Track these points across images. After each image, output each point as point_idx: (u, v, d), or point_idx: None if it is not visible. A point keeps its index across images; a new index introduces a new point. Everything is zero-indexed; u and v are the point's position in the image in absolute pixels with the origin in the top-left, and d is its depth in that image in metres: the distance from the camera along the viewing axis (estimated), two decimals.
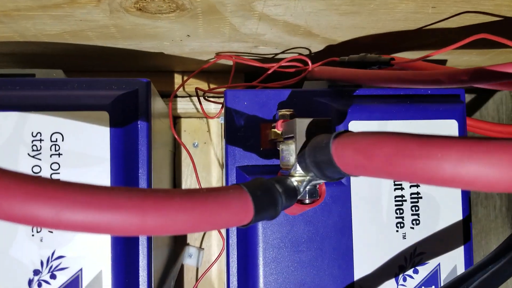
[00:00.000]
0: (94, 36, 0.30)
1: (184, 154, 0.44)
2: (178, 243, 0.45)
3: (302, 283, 0.24)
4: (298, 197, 0.21)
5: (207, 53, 0.35)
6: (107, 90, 0.25)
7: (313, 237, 0.25)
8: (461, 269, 0.26)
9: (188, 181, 0.45)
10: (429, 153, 0.13)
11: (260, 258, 0.25)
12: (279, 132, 0.24)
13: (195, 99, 0.41)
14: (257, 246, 0.25)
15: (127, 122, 0.26)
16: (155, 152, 0.29)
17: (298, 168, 0.20)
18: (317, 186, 0.22)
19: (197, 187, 0.35)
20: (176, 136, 0.34)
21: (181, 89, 0.40)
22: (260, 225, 0.25)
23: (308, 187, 0.22)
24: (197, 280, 0.42)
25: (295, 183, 0.20)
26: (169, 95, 0.43)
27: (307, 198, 0.22)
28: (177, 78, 0.41)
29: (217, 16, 0.26)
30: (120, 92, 0.25)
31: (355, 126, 0.26)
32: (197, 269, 0.44)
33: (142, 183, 0.25)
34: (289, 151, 0.22)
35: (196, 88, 0.33)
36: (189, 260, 0.44)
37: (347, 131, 0.17)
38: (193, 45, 0.33)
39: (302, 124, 0.21)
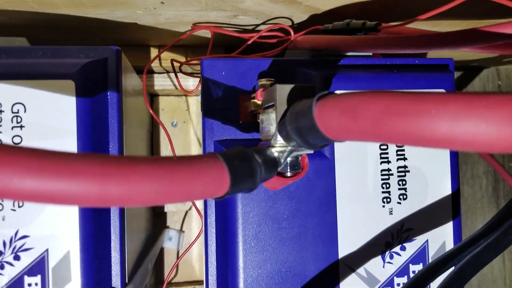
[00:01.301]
0: (62, 3, 0.28)
1: (162, 134, 0.42)
2: (158, 226, 0.43)
3: (284, 261, 0.23)
4: (279, 169, 0.20)
5: (184, 23, 0.33)
6: (73, 58, 0.23)
7: (295, 214, 0.23)
8: (450, 245, 0.25)
9: None
10: (422, 110, 0.12)
11: (240, 235, 0.23)
12: (259, 102, 0.23)
13: (173, 75, 0.39)
14: (236, 223, 0.23)
15: (96, 92, 0.24)
16: (129, 129, 0.27)
17: (279, 138, 0.19)
18: (299, 158, 0.21)
19: None
20: (153, 113, 0.32)
21: (158, 65, 0.38)
22: (240, 201, 0.23)
23: (289, 158, 0.20)
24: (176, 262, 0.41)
25: (276, 154, 0.19)
26: (151, 71, 0.41)
27: (288, 170, 0.20)
28: (154, 53, 0.39)
29: None
30: (87, 60, 0.23)
31: None
32: (178, 252, 0.42)
33: None
34: (269, 121, 0.20)
35: (172, 60, 0.31)
36: (169, 244, 0.43)
37: (331, 93, 0.16)
38: (168, 14, 0.31)
39: (283, 90, 0.19)
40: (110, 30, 0.34)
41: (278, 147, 0.19)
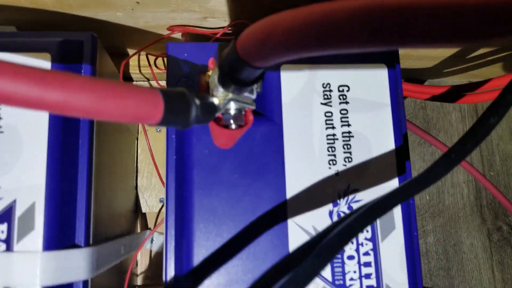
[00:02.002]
0: (51, 2, 0.32)
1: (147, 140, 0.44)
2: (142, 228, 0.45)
3: (235, 221, 0.25)
4: (224, 122, 0.22)
5: (160, 27, 0.37)
6: (52, 37, 0.27)
7: (246, 175, 0.25)
8: (397, 209, 0.26)
9: (148, 167, 0.45)
10: None
11: (195, 194, 0.25)
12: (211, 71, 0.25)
13: (153, 83, 0.42)
14: (192, 182, 0.25)
15: (70, 69, 0.27)
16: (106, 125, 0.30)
17: (219, 87, 0.21)
18: (243, 112, 0.23)
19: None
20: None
21: (138, 73, 0.41)
22: (195, 162, 0.25)
23: (233, 111, 0.23)
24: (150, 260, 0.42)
25: (216, 101, 0.21)
26: (130, 79, 0.45)
27: (232, 123, 0.23)
28: (135, 61, 0.42)
29: None
30: (64, 38, 0.27)
31: (288, 73, 0.27)
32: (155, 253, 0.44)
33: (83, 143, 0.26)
34: (214, 79, 0.23)
35: (147, 54, 0.35)
36: (153, 245, 0.44)
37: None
38: (146, 16, 0.35)
39: (222, 47, 0.22)
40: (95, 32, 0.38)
41: (219, 95, 0.21)
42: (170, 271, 0.24)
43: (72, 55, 0.27)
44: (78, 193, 0.25)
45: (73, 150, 0.26)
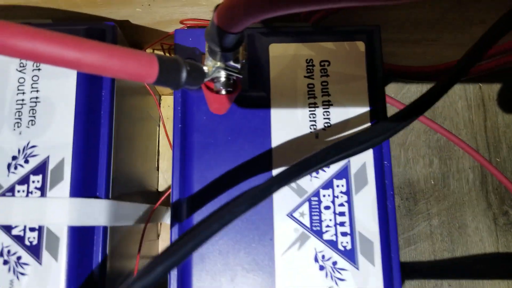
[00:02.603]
0: (82, 3, 0.38)
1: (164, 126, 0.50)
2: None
3: (224, 179, 0.29)
4: (215, 88, 0.27)
5: (174, 21, 0.42)
6: (78, 26, 0.33)
7: (237, 138, 0.30)
8: (370, 165, 0.29)
9: (169, 152, 0.51)
10: None
11: (195, 154, 0.30)
12: None
13: None
14: (193, 145, 0.30)
15: None
16: (127, 106, 0.35)
17: (209, 57, 0.26)
18: (231, 80, 0.28)
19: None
20: (155, 98, 0.40)
21: None
22: (195, 128, 0.30)
23: (223, 79, 0.27)
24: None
25: (205, 68, 0.26)
26: None
27: (222, 88, 0.27)
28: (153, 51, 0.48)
29: None
30: (88, 26, 0.32)
31: (276, 48, 0.31)
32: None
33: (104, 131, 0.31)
34: (205, 51, 0.28)
35: (162, 43, 0.40)
36: (168, 220, 0.49)
37: None
38: (160, 11, 0.40)
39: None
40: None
41: (208, 64, 0.26)
42: (175, 196, 0.29)
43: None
44: (100, 154, 0.31)
45: (96, 118, 0.31)
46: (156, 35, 0.44)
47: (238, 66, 0.27)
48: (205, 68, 0.26)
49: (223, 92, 0.27)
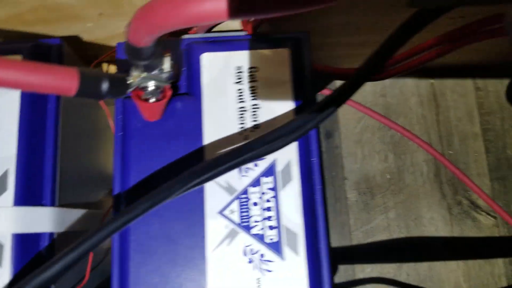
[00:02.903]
0: (33, 20, 0.40)
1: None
2: None
3: (162, 170, 0.31)
4: (143, 96, 0.29)
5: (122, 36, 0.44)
6: (25, 43, 0.34)
7: (171, 142, 0.32)
8: (294, 163, 0.32)
9: None
10: None
11: (132, 160, 0.32)
12: None
13: None
14: (130, 152, 0.32)
15: None
16: (72, 120, 0.37)
17: (133, 70, 0.28)
18: (160, 89, 0.30)
19: None
20: (107, 111, 0.42)
21: None
22: (132, 135, 0.32)
23: (150, 88, 0.29)
24: None
25: (129, 79, 0.28)
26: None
27: (150, 97, 0.29)
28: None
29: None
30: (34, 43, 0.34)
31: (207, 57, 0.33)
32: None
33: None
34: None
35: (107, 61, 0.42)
36: None
37: None
38: (111, 26, 0.42)
39: None
40: (70, 42, 0.45)
41: (134, 75, 0.28)
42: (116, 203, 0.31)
43: (42, 58, 0.35)
44: (45, 165, 0.33)
45: (41, 129, 0.33)
46: (108, 49, 0.46)
47: (164, 75, 0.29)
48: (129, 78, 0.28)
49: (152, 100, 0.30)
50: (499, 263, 0.56)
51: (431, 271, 0.55)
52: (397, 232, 0.56)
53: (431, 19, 0.28)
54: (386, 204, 0.57)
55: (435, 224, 0.56)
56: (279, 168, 0.32)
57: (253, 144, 0.26)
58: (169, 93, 0.30)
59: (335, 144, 0.58)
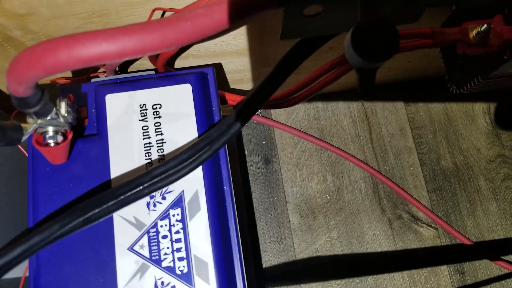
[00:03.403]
0: None
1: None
2: None
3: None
4: (45, 141, 0.30)
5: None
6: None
7: (79, 182, 0.32)
8: (202, 193, 0.32)
9: None
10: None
11: (41, 205, 0.32)
12: None
13: None
14: (38, 196, 0.32)
15: None
16: None
17: (28, 116, 0.29)
18: (59, 133, 0.30)
19: None
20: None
21: None
22: (41, 179, 0.32)
23: (48, 132, 0.30)
24: None
25: (23, 126, 0.29)
26: None
27: (50, 142, 0.30)
28: None
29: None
30: None
31: (111, 98, 0.34)
32: None
33: None
34: None
35: None
36: None
37: None
38: None
39: None
40: None
41: (30, 122, 0.29)
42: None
43: None
44: None
45: None
46: None
47: (62, 119, 0.30)
48: (24, 126, 0.29)
49: (52, 144, 0.30)
50: (444, 274, 0.57)
51: (378, 287, 0.55)
52: (341, 250, 0.56)
53: (311, 50, 0.30)
54: (328, 224, 0.57)
55: (378, 240, 0.57)
56: (187, 199, 0.32)
57: (143, 176, 0.27)
58: (70, 136, 0.31)
59: (274, 170, 0.60)
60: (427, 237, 0.58)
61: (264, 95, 0.30)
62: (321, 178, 0.59)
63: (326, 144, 0.60)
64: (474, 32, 0.32)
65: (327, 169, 0.60)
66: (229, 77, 0.52)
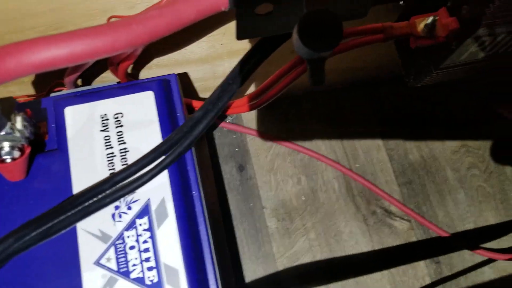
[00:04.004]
0: None
1: None
2: None
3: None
4: (0, 158, 0.29)
5: None
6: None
7: (40, 199, 0.31)
8: (169, 199, 0.32)
9: None
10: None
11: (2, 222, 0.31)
12: None
13: None
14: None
15: None
16: None
17: None
18: (15, 147, 0.29)
19: None
20: None
21: None
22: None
23: (4, 148, 0.29)
24: None
25: None
26: None
27: (6, 158, 0.29)
28: None
29: None
30: None
31: (70, 110, 0.34)
32: None
33: None
34: None
35: None
36: None
37: None
38: None
39: None
40: None
41: None
42: None
43: None
44: None
45: None
46: None
47: (18, 134, 0.29)
48: None
49: (8, 160, 0.29)
50: (420, 265, 0.57)
51: (358, 284, 0.56)
52: (320, 251, 0.56)
53: (270, 51, 0.30)
54: (305, 226, 0.57)
55: (354, 237, 0.57)
56: (153, 207, 0.32)
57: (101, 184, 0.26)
58: (27, 150, 0.30)
59: (248, 176, 0.59)
60: (401, 230, 0.59)
61: (225, 99, 0.30)
62: (295, 181, 0.60)
63: (298, 147, 0.60)
64: (422, 25, 0.33)
65: (300, 171, 0.60)
66: (196, 85, 0.52)
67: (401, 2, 0.36)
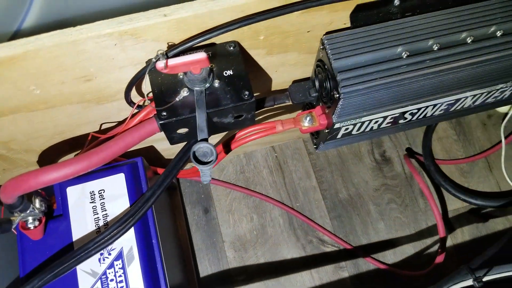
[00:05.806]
0: None
1: None
2: None
3: None
4: (27, 226, 0.46)
5: None
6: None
7: (50, 251, 0.48)
8: (135, 247, 0.49)
9: None
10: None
11: (26, 260, 0.47)
12: None
13: None
14: (26, 261, 0.48)
15: None
16: None
17: (15, 213, 0.45)
18: (36, 219, 0.47)
19: None
20: None
21: None
22: (26, 250, 0.48)
23: (29, 221, 0.46)
24: None
25: (12, 219, 0.45)
26: None
27: (30, 226, 0.46)
28: None
29: None
30: None
31: (70, 189, 0.51)
32: None
33: None
34: None
35: None
36: None
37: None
38: None
39: None
40: None
41: (15, 216, 0.45)
42: None
43: None
44: None
45: None
46: None
47: (37, 210, 0.46)
48: (12, 219, 0.45)
49: (32, 228, 0.46)
50: (346, 281, 0.73)
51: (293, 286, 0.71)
52: (268, 273, 0.72)
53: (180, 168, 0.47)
54: (257, 254, 0.74)
55: (296, 261, 0.73)
56: (125, 252, 0.48)
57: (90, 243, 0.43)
58: (43, 220, 0.47)
59: (212, 217, 0.76)
60: (332, 254, 0.75)
61: (165, 183, 0.47)
62: (249, 219, 0.76)
63: (250, 191, 0.77)
64: (304, 119, 0.50)
65: (253, 211, 0.76)
66: (163, 154, 0.69)
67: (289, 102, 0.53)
